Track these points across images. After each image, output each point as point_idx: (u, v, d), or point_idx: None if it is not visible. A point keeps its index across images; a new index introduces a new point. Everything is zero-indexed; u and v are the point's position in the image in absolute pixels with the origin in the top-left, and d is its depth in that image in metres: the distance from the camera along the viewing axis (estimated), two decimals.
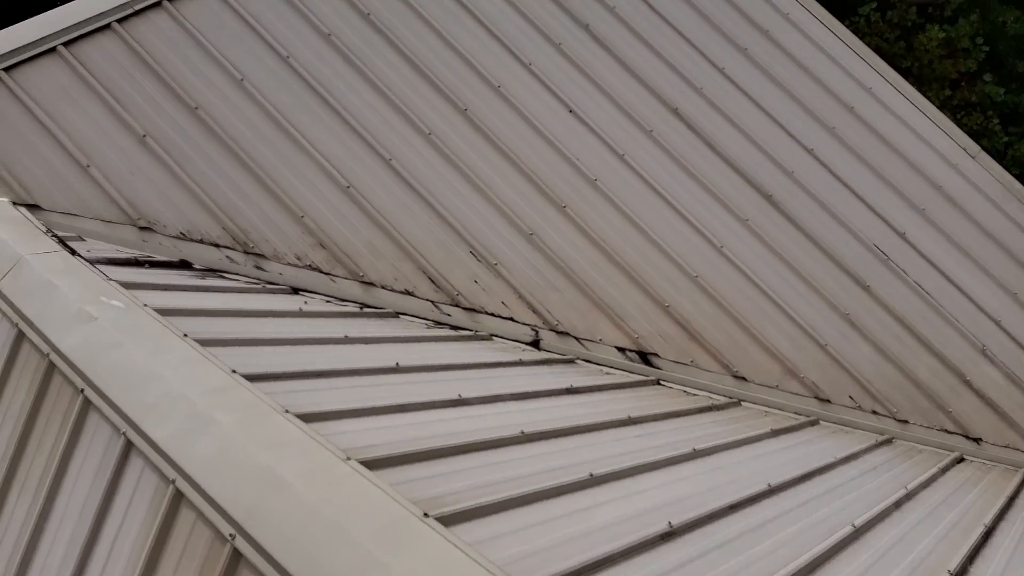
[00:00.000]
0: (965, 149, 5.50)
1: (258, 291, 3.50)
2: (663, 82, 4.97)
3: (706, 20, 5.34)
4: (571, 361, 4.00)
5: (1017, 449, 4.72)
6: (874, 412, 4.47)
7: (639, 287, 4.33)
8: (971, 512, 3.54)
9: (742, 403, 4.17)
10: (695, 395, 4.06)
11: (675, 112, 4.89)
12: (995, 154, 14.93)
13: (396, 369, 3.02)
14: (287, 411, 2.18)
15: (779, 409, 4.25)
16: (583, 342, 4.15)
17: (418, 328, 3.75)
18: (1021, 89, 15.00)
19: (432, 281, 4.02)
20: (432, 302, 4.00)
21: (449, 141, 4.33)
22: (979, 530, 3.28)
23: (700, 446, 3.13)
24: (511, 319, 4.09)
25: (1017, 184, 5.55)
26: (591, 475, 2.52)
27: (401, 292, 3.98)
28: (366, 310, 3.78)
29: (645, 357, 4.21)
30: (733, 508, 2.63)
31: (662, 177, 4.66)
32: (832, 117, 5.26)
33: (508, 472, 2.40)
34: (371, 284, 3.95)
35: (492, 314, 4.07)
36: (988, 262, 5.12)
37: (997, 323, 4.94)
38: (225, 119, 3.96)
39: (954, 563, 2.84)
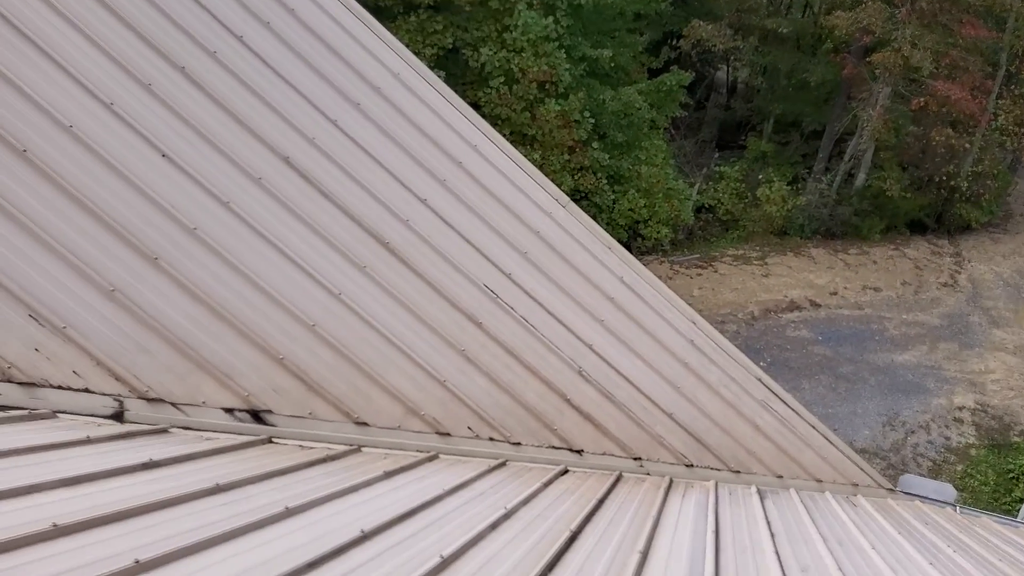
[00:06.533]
0: (557, 200, 6.35)
1: None
2: (273, 131, 4.85)
3: (318, 74, 5.38)
4: (163, 431, 3.57)
5: (612, 455, 5.46)
6: (491, 439, 4.79)
7: (249, 341, 4.07)
8: (563, 520, 3.93)
9: (362, 449, 4.13)
10: (311, 448, 3.90)
11: (286, 161, 4.80)
12: (605, 209, 17.93)
13: None
14: None
15: (400, 449, 4.30)
16: (181, 407, 3.74)
17: None
18: (621, 155, 18.31)
19: None
20: None
21: None
22: (565, 536, 3.64)
23: (295, 503, 2.97)
24: (86, 390, 3.51)
25: (598, 227, 6.57)
26: (136, 562, 2.19)
27: None
28: None
29: (257, 415, 3.95)
30: (312, 566, 2.51)
31: (273, 225, 4.50)
32: (443, 170, 5.66)
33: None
34: None
35: (59, 387, 3.45)
36: (579, 295, 5.92)
37: (590, 347, 5.72)
38: None
39: (533, 574, 3.07)
